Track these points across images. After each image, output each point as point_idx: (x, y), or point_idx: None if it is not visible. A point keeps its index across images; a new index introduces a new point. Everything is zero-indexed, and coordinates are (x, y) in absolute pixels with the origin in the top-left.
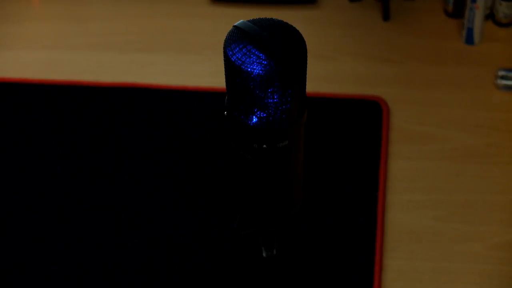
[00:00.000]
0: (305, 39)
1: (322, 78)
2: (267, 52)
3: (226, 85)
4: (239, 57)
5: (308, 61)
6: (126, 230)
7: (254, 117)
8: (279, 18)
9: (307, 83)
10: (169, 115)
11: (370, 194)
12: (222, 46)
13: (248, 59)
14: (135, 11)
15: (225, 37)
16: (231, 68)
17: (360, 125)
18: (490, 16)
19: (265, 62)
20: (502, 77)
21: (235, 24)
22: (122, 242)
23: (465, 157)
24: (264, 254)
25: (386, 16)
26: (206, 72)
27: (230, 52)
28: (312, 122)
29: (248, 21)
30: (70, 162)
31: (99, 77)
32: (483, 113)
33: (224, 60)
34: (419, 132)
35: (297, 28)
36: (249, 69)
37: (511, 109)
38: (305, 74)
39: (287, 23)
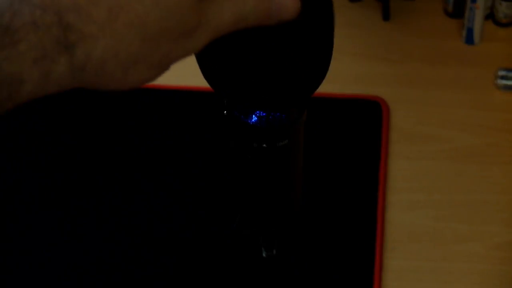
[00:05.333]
0: None
1: None
2: None
3: None
4: None
5: None
6: (125, 230)
7: (253, 116)
8: None
9: None
10: (168, 115)
11: (370, 194)
12: None
13: None
14: None
15: None
16: None
17: (360, 125)
18: (490, 16)
19: None
20: (502, 77)
21: None
22: (121, 242)
23: (465, 157)
24: (264, 254)
25: (386, 16)
26: None
27: None
28: (312, 122)
29: None
30: (68, 162)
31: None
32: (483, 113)
33: None
34: (419, 132)
35: None
36: None
37: (511, 109)
38: None
39: None
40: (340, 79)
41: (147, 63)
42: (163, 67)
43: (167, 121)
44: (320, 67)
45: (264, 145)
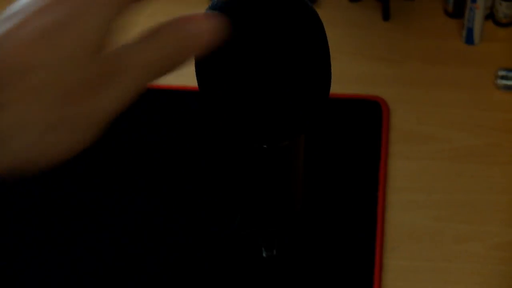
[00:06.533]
0: None
1: None
2: None
3: None
4: None
5: None
6: (125, 230)
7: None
8: None
9: None
10: (169, 115)
11: (370, 194)
12: None
13: None
14: (135, 10)
15: None
16: None
17: (360, 125)
18: (490, 16)
19: None
20: (502, 77)
21: None
22: (121, 242)
23: (465, 157)
24: (264, 254)
25: (386, 16)
26: None
27: None
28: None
29: None
30: (69, 162)
31: None
32: (483, 113)
33: None
34: (419, 132)
35: None
36: None
37: (511, 109)
38: None
39: None
40: (340, 79)
41: (67, 127)
42: (94, 126)
43: (167, 121)
44: (317, 101)
45: (265, 146)
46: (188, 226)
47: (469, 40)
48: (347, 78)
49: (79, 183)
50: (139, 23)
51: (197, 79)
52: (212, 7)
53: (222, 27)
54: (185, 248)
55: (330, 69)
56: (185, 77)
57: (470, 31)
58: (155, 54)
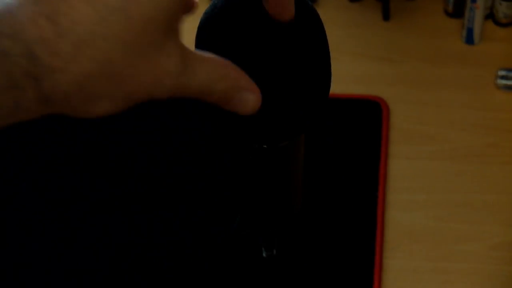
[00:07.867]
0: None
1: None
2: None
3: None
4: None
5: None
6: (125, 229)
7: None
8: None
9: None
10: (168, 114)
11: (370, 194)
12: None
13: None
14: None
15: None
16: None
17: (360, 125)
18: (490, 16)
19: None
20: (502, 77)
21: None
22: (120, 241)
23: (465, 157)
24: (264, 254)
25: (386, 16)
26: None
27: None
28: None
29: None
30: (69, 162)
31: None
32: (483, 113)
33: None
34: (419, 132)
35: None
36: None
37: (511, 109)
38: None
39: None
40: (340, 79)
41: (110, 99)
42: (127, 104)
43: (167, 121)
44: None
45: (265, 146)
46: (188, 226)
47: (469, 40)
48: (347, 78)
49: (78, 182)
50: None
51: None
52: (213, 7)
53: (258, 106)
54: (185, 248)
55: (330, 69)
56: None
57: (470, 31)
58: (205, 83)
